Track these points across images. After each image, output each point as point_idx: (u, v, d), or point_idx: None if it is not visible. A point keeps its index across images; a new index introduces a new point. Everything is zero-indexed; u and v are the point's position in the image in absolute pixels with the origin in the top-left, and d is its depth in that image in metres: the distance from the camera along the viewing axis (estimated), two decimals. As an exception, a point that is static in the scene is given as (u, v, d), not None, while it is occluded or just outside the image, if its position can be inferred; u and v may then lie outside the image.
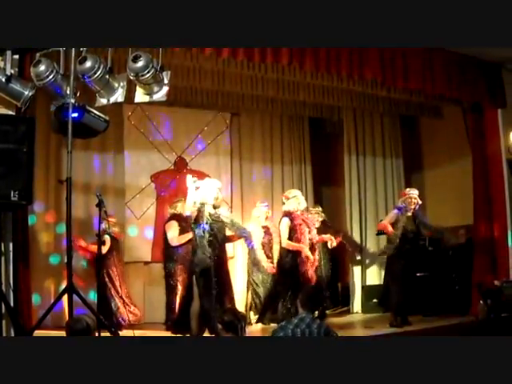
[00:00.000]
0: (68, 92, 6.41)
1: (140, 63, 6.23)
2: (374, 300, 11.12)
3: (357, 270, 11.97)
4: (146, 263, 11.02)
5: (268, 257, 9.45)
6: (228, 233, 8.32)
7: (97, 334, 5.76)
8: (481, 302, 9.38)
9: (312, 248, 9.04)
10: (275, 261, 9.29)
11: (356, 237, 11.99)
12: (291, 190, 9.96)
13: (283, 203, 9.31)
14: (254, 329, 9.60)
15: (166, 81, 6.53)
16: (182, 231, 8.96)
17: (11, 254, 6.52)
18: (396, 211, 9.41)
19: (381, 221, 10.99)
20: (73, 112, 6.32)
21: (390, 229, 9.28)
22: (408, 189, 9.81)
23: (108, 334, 6.68)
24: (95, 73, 6.29)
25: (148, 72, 6.27)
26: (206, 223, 7.79)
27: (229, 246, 9.16)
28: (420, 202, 9.46)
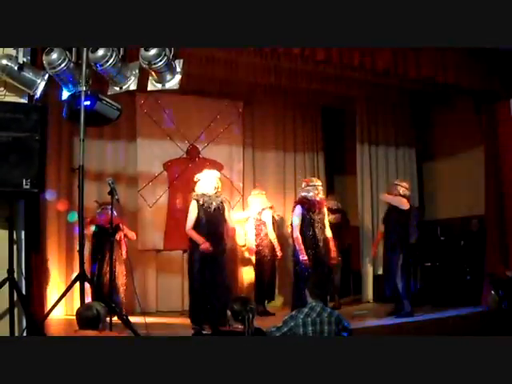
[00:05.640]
0: (80, 80, 6.43)
1: (153, 51, 6.22)
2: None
3: (368, 259, 11.96)
4: (159, 251, 11.07)
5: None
6: None
7: (107, 322, 5.80)
8: (492, 292, 9.40)
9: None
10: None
11: (367, 225, 11.98)
12: (313, 178, 10.12)
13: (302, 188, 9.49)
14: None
15: (178, 69, 6.53)
16: None
17: (23, 242, 6.54)
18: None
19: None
20: (85, 100, 6.33)
21: None
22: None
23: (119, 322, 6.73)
24: (107, 61, 6.28)
25: (160, 60, 6.27)
26: None
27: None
28: None
